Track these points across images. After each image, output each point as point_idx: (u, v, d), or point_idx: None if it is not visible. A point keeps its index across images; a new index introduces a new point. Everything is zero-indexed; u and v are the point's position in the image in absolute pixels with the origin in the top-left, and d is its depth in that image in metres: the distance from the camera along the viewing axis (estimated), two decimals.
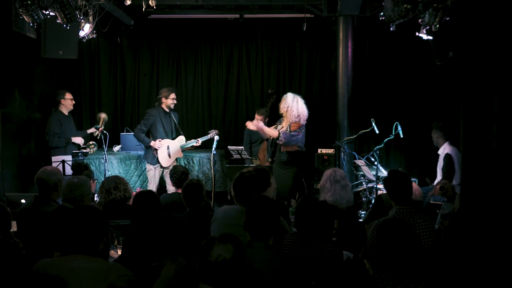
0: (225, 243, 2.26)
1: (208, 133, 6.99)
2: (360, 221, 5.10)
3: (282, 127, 6.43)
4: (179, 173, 5.11)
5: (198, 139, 7.04)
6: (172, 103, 6.92)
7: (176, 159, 7.14)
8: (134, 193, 4.93)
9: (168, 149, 6.92)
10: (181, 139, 6.98)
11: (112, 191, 4.30)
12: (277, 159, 6.51)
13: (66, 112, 7.00)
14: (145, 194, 3.72)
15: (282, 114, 6.50)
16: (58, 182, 4.10)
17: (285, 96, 6.55)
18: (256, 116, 7.73)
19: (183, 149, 7.10)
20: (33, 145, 7.25)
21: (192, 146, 7.23)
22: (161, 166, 6.90)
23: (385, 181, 3.76)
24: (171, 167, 6.83)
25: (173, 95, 6.91)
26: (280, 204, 4.25)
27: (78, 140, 6.97)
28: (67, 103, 6.97)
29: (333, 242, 3.43)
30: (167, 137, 6.94)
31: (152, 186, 6.83)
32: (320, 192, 4.65)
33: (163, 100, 6.90)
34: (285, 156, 6.37)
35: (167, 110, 6.93)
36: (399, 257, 2.56)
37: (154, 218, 3.41)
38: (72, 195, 3.82)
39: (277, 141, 6.42)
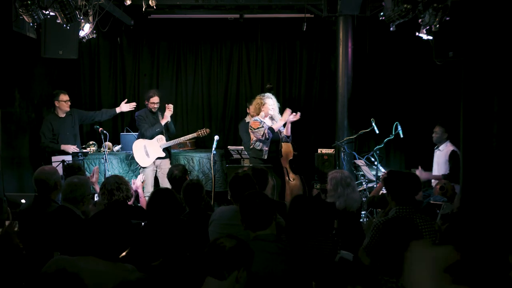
0: (231, 238, 2.35)
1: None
2: (361, 221, 5.10)
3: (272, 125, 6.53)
4: (176, 177, 5.01)
5: (180, 138, 7.10)
6: (152, 107, 7.06)
7: (172, 158, 7.22)
8: (133, 192, 4.96)
9: (145, 148, 6.97)
10: (160, 138, 6.98)
11: (115, 192, 4.28)
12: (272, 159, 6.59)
13: (61, 114, 6.92)
14: (164, 192, 3.69)
15: (273, 110, 6.53)
16: (57, 181, 4.09)
17: (269, 95, 6.60)
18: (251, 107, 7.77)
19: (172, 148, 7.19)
20: (33, 145, 7.25)
21: (185, 145, 7.29)
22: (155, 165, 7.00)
23: (387, 178, 3.73)
24: (163, 167, 6.87)
25: (152, 99, 7.05)
26: (278, 203, 4.24)
27: (69, 148, 6.72)
28: (62, 105, 6.87)
29: (330, 240, 3.43)
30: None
31: (149, 186, 6.81)
32: (328, 196, 4.63)
33: (146, 102, 7.13)
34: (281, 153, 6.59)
35: (153, 111, 7.08)
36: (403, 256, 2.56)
37: (173, 216, 3.40)
38: (72, 195, 3.79)
39: (288, 140, 6.59)
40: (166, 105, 7.06)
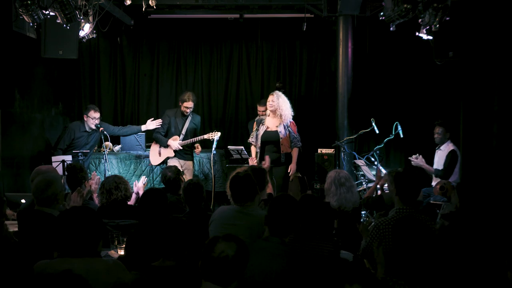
0: (229, 241, 2.32)
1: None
2: (362, 222, 5.09)
3: (268, 127, 6.42)
4: (170, 179, 4.96)
5: (191, 139, 6.95)
6: (184, 111, 6.90)
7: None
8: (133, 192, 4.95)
9: (160, 147, 6.98)
10: (175, 139, 6.96)
11: (113, 191, 4.29)
12: (272, 160, 6.46)
13: (87, 128, 6.86)
14: (154, 192, 3.72)
15: (271, 111, 6.43)
16: None
17: (274, 93, 6.48)
18: (259, 107, 7.70)
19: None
20: (33, 145, 7.25)
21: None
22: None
23: (399, 176, 3.70)
24: (186, 168, 6.86)
25: (186, 104, 6.85)
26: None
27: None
28: (89, 121, 6.81)
29: (331, 241, 3.43)
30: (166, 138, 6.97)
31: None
32: (325, 195, 4.63)
33: (180, 103, 6.95)
34: (284, 158, 6.39)
35: (185, 114, 6.95)
36: (416, 258, 2.55)
37: (162, 217, 3.40)
38: (44, 195, 3.62)
39: (297, 147, 6.43)
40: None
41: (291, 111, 6.49)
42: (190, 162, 7.00)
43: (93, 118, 6.83)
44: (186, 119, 6.97)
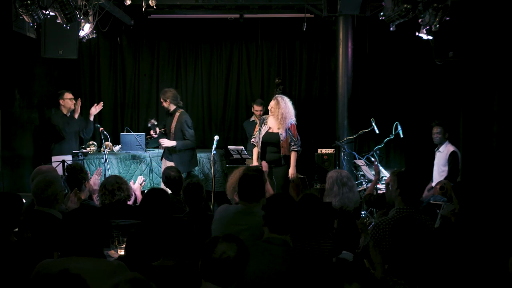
0: (230, 242, 2.31)
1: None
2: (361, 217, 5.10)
3: (270, 128, 6.38)
4: (175, 178, 4.94)
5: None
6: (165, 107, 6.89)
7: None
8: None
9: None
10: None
11: (116, 192, 4.28)
12: (270, 160, 6.44)
13: (66, 112, 6.93)
14: (157, 192, 3.72)
15: (273, 114, 6.39)
16: None
17: (275, 99, 6.40)
18: (255, 107, 7.68)
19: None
20: (33, 145, 7.25)
21: None
22: None
23: (403, 176, 3.69)
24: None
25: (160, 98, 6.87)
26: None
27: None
28: (67, 103, 6.89)
29: (331, 240, 3.43)
30: (166, 137, 6.91)
31: None
32: (325, 195, 4.61)
33: None
34: (283, 160, 6.37)
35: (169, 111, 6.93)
36: (416, 258, 2.55)
37: (164, 217, 3.41)
38: (44, 195, 3.63)
39: (294, 151, 6.36)
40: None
41: (293, 113, 6.42)
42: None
43: (71, 99, 6.92)
44: (172, 118, 6.89)
